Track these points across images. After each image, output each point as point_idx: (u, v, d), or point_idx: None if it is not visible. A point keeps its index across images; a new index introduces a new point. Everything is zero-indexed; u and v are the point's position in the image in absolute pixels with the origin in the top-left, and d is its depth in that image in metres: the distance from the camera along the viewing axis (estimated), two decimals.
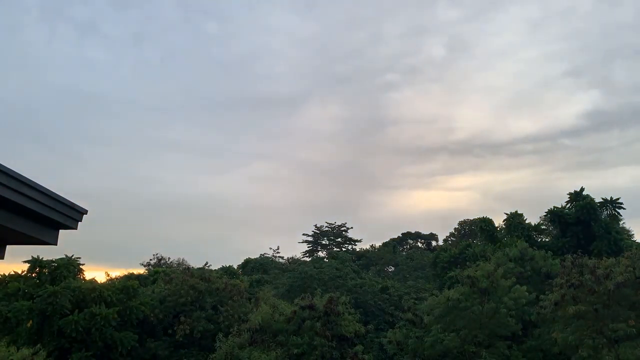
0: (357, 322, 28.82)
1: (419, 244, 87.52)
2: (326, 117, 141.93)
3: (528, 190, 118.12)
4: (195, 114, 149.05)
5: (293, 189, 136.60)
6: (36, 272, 35.29)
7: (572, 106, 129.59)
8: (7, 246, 4.87)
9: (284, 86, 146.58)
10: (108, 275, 45.17)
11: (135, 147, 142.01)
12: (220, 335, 28.56)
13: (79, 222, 4.93)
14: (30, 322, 31.01)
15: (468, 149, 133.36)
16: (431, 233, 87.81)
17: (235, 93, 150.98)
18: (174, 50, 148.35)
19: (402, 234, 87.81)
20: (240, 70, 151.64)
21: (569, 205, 43.89)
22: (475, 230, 64.29)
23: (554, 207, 44.09)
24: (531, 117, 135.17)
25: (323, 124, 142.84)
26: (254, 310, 29.87)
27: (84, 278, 37.52)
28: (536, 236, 47.04)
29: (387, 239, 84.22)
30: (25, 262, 35.29)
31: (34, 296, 32.16)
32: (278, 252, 72.79)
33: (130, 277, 43.98)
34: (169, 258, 61.99)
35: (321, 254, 78.01)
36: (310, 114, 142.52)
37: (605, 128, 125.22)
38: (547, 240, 46.55)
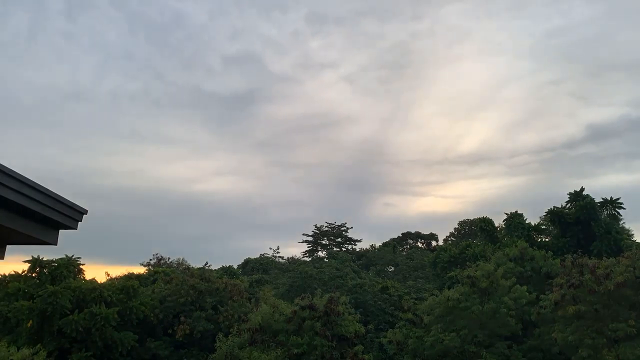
0: (357, 322, 28.78)
1: (419, 244, 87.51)
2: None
3: (527, 195, 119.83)
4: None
5: (293, 189, 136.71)
6: (36, 272, 35.27)
7: (569, 119, 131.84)
8: (7, 246, 4.88)
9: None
10: (108, 275, 45.20)
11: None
12: (220, 335, 28.53)
13: (79, 222, 4.94)
14: (30, 322, 30.99)
15: (469, 159, 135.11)
16: (431, 233, 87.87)
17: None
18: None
19: (402, 234, 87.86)
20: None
21: (569, 205, 43.92)
22: (475, 230, 64.35)
23: (554, 207, 44.15)
24: (530, 130, 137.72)
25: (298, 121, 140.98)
26: (254, 310, 29.84)
27: (84, 278, 37.51)
28: (536, 236, 47.06)
29: (387, 239, 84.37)
30: (25, 262, 35.30)
31: (34, 296, 32.13)
32: (278, 252, 72.87)
33: (130, 277, 43.94)
34: (169, 258, 61.97)
35: (321, 254, 78.01)
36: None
37: (600, 139, 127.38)
38: (547, 240, 46.57)
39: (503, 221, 48.42)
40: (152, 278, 44.55)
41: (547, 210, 44.98)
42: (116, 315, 32.63)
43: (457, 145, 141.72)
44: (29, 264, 35.22)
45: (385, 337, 33.56)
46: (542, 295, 28.25)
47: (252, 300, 38.82)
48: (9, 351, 23.84)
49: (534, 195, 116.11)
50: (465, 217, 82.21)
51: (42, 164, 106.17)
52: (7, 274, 35.53)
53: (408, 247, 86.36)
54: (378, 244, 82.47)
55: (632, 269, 24.96)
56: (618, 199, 43.32)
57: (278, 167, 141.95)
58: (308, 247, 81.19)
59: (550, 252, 36.40)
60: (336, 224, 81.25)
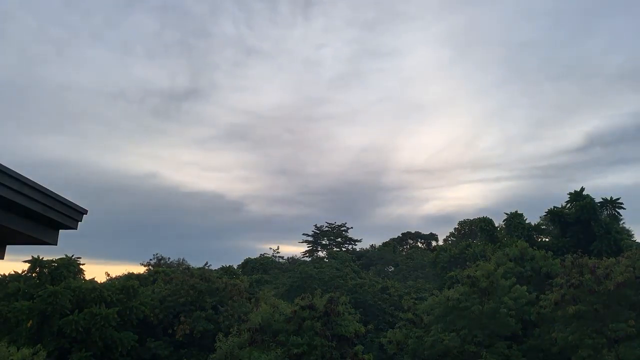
0: (357, 322, 28.76)
1: (419, 244, 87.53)
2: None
3: (525, 198, 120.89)
4: None
5: (293, 188, 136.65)
6: (36, 272, 35.27)
7: (567, 130, 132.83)
8: (7, 246, 4.87)
9: None
10: (108, 275, 45.23)
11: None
12: (220, 335, 28.52)
13: (79, 222, 4.93)
14: (30, 322, 30.98)
15: (472, 166, 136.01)
16: (431, 233, 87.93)
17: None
18: None
19: (402, 233, 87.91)
20: None
21: (569, 205, 43.88)
22: (475, 230, 64.32)
23: (554, 207, 44.11)
24: (530, 137, 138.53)
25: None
26: (254, 310, 29.82)
27: (84, 278, 37.51)
28: (536, 236, 47.03)
29: (387, 239, 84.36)
30: (25, 262, 35.33)
31: (34, 296, 32.13)
32: (278, 252, 72.92)
33: (130, 277, 43.95)
34: (169, 258, 61.98)
35: (321, 254, 78.03)
36: None
37: (597, 147, 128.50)
38: (547, 240, 46.54)
39: (503, 221, 48.39)
40: (152, 278, 44.54)
41: (547, 210, 44.96)
42: (116, 315, 32.61)
43: (458, 149, 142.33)
44: (29, 264, 35.22)
45: (385, 337, 33.56)
46: (542, 295, 28.23)
47: (252, 300, 38.80)
48: (9, 351, 23.83)
49: (532, 199, 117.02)
50: (465, 218, 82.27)
51: None
52: (7, 274, 35.55)
53: (408, 247, 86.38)
54: (378, 244, 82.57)
55: (632, 269, 24.96)
56: (618, 199, 43.30)
57: (276, 167, 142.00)
58: (308, 247, 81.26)
59: (550, 252, 36.39)
60: (336, 224, 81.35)
